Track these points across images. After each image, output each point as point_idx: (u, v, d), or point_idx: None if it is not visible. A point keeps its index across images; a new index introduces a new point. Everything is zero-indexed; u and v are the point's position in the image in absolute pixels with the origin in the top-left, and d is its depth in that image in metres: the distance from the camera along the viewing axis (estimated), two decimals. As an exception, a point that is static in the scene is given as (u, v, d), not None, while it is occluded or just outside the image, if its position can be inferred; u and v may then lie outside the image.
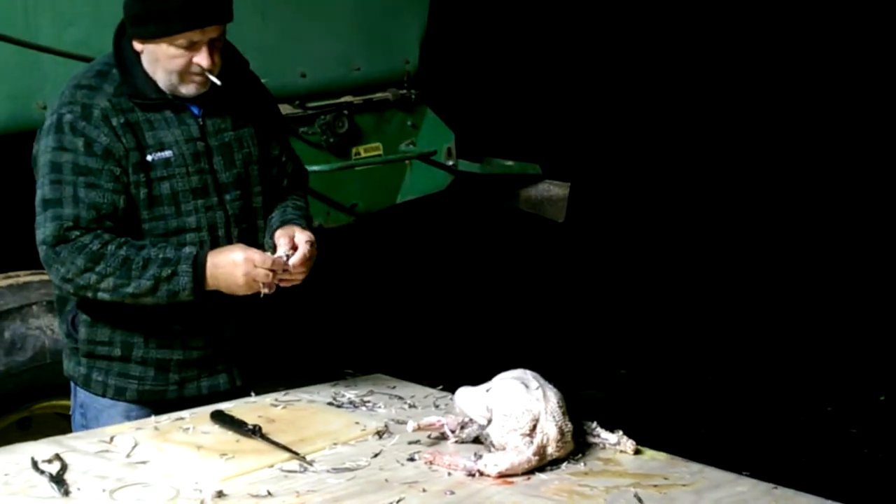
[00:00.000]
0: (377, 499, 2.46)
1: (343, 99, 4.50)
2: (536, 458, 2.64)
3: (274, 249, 2.98)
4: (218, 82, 2.96)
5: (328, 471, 2.62)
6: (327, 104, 4.47)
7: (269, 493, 2.48)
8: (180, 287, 2.90)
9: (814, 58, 9.19)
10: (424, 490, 2.51)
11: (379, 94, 4.63)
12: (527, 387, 2.71)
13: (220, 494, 2.45)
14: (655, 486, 2.59)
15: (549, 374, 2.83)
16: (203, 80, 2.97)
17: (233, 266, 2.89)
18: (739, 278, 8.02)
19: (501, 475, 2.59)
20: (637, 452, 2.80)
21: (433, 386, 3.32)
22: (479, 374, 2.86)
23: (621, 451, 2.80)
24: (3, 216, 3.91)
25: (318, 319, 6.29)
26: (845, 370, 6.59)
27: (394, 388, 3.27)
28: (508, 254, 7.88)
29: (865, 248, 8.22)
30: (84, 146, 2.93)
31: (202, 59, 2.92)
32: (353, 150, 4.58)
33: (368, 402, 3.14)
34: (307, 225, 3.11)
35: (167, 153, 2.99)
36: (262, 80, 3.45)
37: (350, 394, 3.17)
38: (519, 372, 2.79)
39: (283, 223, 3.09)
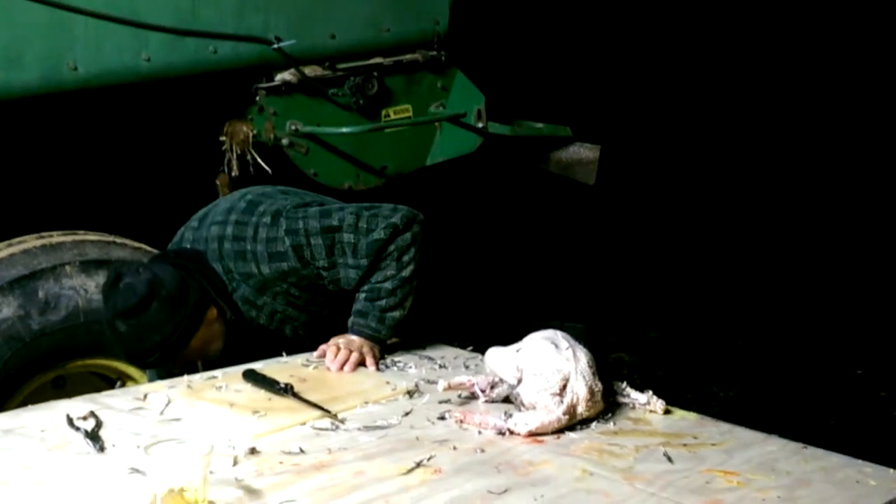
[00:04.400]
0: (408, 456, 2.47)
1: (373, 60, 4.47)
2: (566, 417, 2.65)
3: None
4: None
5: (359, 429, 2.64)
6: (357, 66, 4.45)
7: (302, 451, 2.50)
8: None
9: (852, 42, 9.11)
10: (455, 448, 2.53)
11: (409, 56, 4.60)
12: (557, 347, 2.71)
13: (254, 451, 2.48)
14: (685, 444, 2.60)
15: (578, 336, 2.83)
16: None
17: None
18: (770, 242, 7.99)
19: (531, 434, 2.61)
20: (666, 412, 2.81)
21: (463, 347, 3.33)
22: (509, 336, 2.87)
23: (651, 411, 2.81)
24: (36, 176, 3.94)
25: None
26: (875, 333, 6.57)
27: (424, 348, 3.29)
28: (538, 216, 7.86)
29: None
30: None
31: None
32: (383, 112, 4.56)
33: (399, 362, 3.17)
34: (372, 320, 3.22)
35: None
36: (292, 41, 3.47)
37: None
38: (549, 332, 2.80)
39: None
